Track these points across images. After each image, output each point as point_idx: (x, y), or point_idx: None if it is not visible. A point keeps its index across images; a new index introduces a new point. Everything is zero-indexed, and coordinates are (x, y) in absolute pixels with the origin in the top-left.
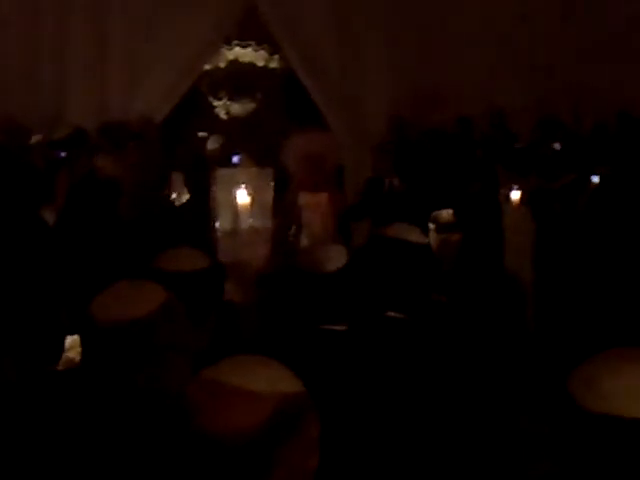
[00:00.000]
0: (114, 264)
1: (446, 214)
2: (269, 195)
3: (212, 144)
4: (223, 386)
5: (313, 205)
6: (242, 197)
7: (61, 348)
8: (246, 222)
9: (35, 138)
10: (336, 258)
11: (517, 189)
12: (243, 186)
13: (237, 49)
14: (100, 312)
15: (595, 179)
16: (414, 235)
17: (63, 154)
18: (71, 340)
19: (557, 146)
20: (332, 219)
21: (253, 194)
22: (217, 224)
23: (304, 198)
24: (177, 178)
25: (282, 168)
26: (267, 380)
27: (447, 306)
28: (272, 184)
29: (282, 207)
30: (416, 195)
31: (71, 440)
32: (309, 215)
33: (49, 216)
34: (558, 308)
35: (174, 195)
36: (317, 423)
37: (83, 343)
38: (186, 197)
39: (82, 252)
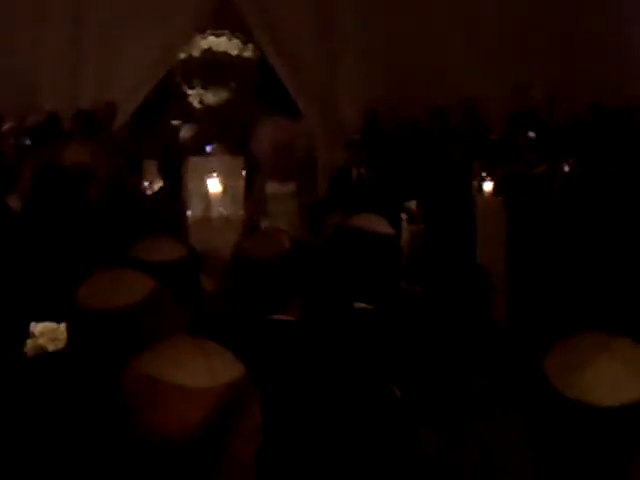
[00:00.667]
0: (82, 252)
1: (414, 205)
2: (241, 184)
3: (185, 132)
4: (160, 383)
5: (280, 195)
6: (214, 186)
7: (25, 335)
8: (217, 211)
9: (6, 125)
10: (276, 245)
11: (489, 180)
12: (215, 175)
13: (211, 38)
14: (87, 300)
15: (566, 168)
16: (380, 226)
17: (28, 141)
18: (42, 327)
19: (532, 134)
20: (299, 210)
21: (225, 183)
22: (189, 212)
23: (271, 187)
24: (150, 166)
25: (252, 156)
26: (206, 371)
27: (417, 295)
28: (244, 173)
29: (251, 196)
30: (385, 185)
31: (45, 429)
32: (275, 205)
33: (15, 203)
34: (530, 298)
35: (146, 183)
36: (259, 407)
37: (69, 331)
38: (159, 185)
39: (48, 239)
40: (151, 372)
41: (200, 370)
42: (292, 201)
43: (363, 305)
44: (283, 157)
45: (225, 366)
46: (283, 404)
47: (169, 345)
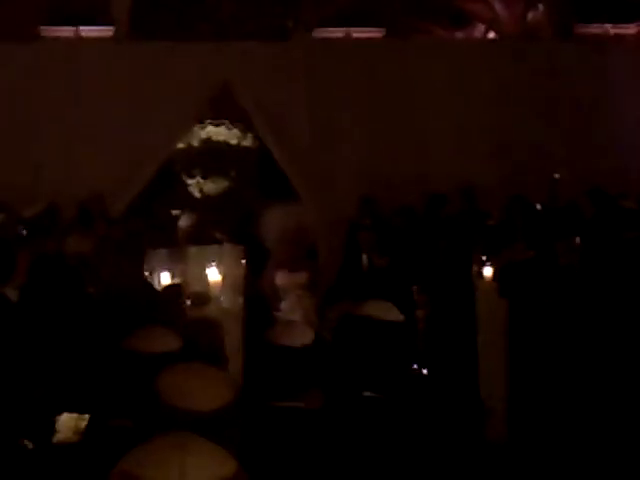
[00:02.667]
0: (78, 342)
1: (415, 291)
2: (241, 273)
3: (184, 222)
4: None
5: (292, 285)
6: (213, 275)
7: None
8: (217, 300)
9: (2, 215)
10: (303, 335)
11: (489, 265)
12: (214, 264)
13: (210, 127)
14: (178, 400)
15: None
16: (388, 312)
17: (24, 232)
18: (58, 419)
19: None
20: (312, 300)
21: (224, 272)
22: (188, 302)
23: (282, 277)
24: (153, 256)
25: (258, 243)
26: (180, 472)
27: (425, 379)
28: (244, 262)
29: (260, 285)
30: (397, 271)
31: None
32: (288, 296)
33: (11, 294)
34: (533, 385)
35: (147, 273)
36: None
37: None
38: (163, 275)
39: (45, 329)
40: (135, 471)
41: (184, 469)
42: (305, 293)
43: (371, 394)
44: (294, 244)
45: (206, 467)
46: None
47: (156, 443)
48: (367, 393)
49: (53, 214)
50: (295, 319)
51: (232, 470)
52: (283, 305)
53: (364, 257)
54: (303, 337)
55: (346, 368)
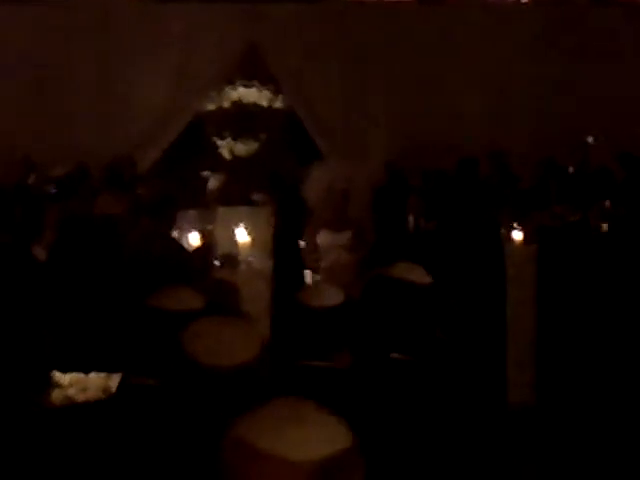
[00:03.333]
0: (105, 301)
1: None
2: (269, 233)
3: (212, 184)
4: (257, 450)
5: (334, 245)
6: (242, 236)
7: (47, 382)
8: (246, 261)
9: (34, 175)
10: (333, 296)
11: (519, 229)
12: (242, 225)
13: (241, 89)
14: (203, 356)
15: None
16: (416, 275)
17: (54, 190)
18: (70, 377)
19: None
20: (354, 263)
21: (253, 232)
22: (216, 262)
23: (325, 237)
24: (185, 217)
25: (301, 202)
26: (307, 442)
27: (449, 345)
28: (272, 223)
29: (303, 245)
30: (444, 235)
31: None
32: (329, 256)
33: (40, 252)
34: (560, 350)
35: (177, 233)
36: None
37: (171, 382)
38: (194, 236)
39: (72, 289)
40: (249, 438)
41: (301, 440)
42: (346, 253)
43: (398, 355)
44: (338, 204)
45: (325, 438)
46: None
47: (272, 409)
48: (394, 355)
49: (83, 174)
50: (333, 279)
51: (349, 442)
52: (323, 264)
53: (410, 220)
54: (333, 298)
55: (373, 329)
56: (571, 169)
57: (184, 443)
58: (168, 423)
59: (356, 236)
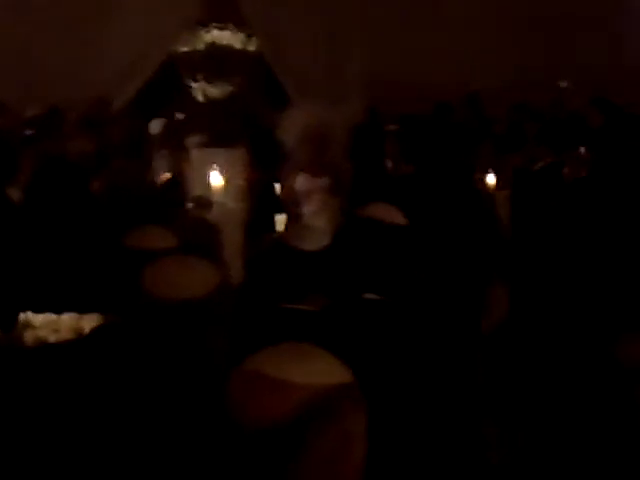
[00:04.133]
0: (81, 242)
1: None
2: (243, 176)
3: (154, 128)
4: (262, 376)
5: (315, 190)
6: (215, 178)
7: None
8: (219, 204)
9: (6, 116)
10: (319, 238)
11: (493, 173)
12: (217, 167)
13: (215, 31)
14: (155, 289)
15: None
16: (391, 216)
17: (29, 132)
18: (42, 318)
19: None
20: (337, 204)
21: (227, 175)
22: (189, 205)
23: (303, 182)
24: (160, 158)
25: (277, 144)
26: (306, 371)
27: (425, 284)
28: (245, 166)
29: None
30: (423, 179)
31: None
32: (307, 202)
33: (15, 194)
34: (532, 291)
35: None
36: (360, 416)
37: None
38: (166, 177)
39: (48, 230)
40: (257, 366)
41: (299, 370)
42: (330, 197)
43: (372, 296)
44: (316, 146)
45: (325, 370)
46: None
47: (279, 350)
48: (368, 295)
49: (56, 115)
50: (319, 223)
51: (349, 378)
52: (305, 209)
53: (389, 163)
54: (319, 241)
55: (347, 270)
56: (544, 113)
57: (151, 377)
58: (133, 359)
59: (335, 180)
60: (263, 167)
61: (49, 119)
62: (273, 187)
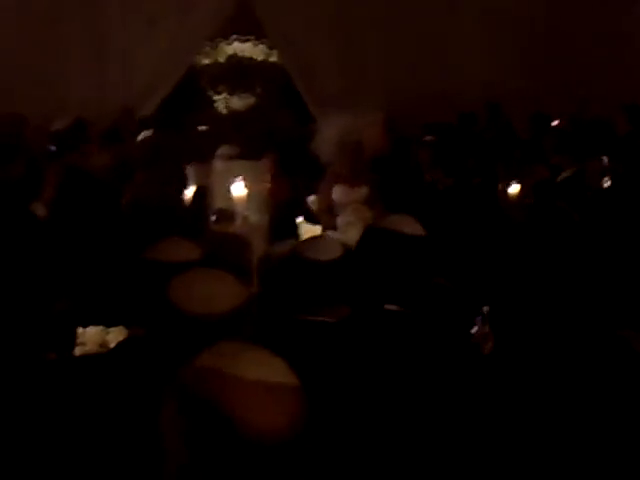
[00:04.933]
0: (106, 256)
1: None
2: (265, 188)
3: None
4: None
5: (351, 201)
6: (238, 190)
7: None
8: (242, 215)
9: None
10: (331, 250)
11: (516, 183)
12: (239, 179)
13: (236, 44)
14: (181, 303)
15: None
16: (409, 226)
17: (54, 147)
18: (88, 333)
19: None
20: (371, 215)
21: (250, 187)
22: (213, 217)
23: (341, 193)
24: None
25: (313, 156)
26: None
27: (447, 292)
28: (269, 177)
29: (316, 201)
30: (465, 193)
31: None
32: (345, 212)
33: (40, 210)
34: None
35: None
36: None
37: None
38: (191, 191)
39: (73, 245)
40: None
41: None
42: (364, 207)
43: (394, 307)
44: (353, 157)
45: (281, 371)
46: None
47: (220, 349)
48: (389, 307)
49: (82, 128)
50: (353, 235)
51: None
52: (339, 220)
53: (426, 175)
54: (331, 251)
55: (367, 282)
56: (556, 122)
57: None
58: (159, 373)
59: (372, 191)
60: (290, 178)
61: (74, 133)
62: (301, 198)
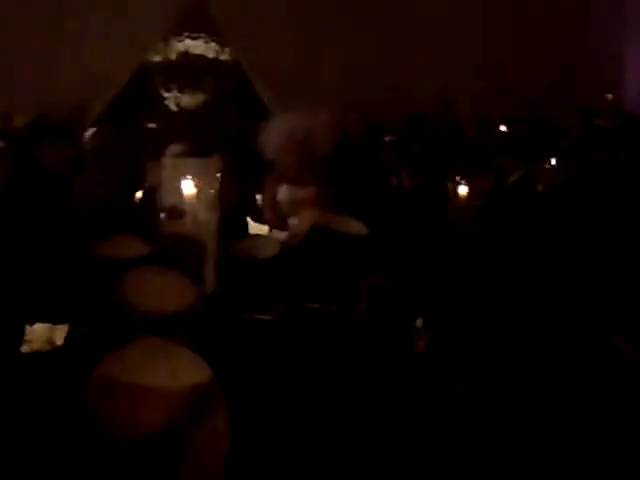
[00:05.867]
0: (53, 251)
1: None
2: (216, 186)
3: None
4: (124, 384)
5: (299, 201)
6: (188, 187)
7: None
8: (192, 212)
9: None
10: (268, 247)
11: (464, 183)
12: (189, 177)
13: (188, 41)
14: (129, 300)
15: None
16: (351, 226)
17: (2, 144)
18: (36, 330)
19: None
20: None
21: (199, 185)
22: (162, 214)
23: (287, 192)
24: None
25: (258, 154)
26: (168, 373)
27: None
28: (218, 175)
29: (262, 201)
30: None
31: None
32: (291, 213)
33: None
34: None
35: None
36: (224, 408)
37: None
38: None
39: (20, 239)
40: (113, 374)
41: (162, 372)
42: (318, 209)
43: (316, 305)
44: (300, 155)
45: (189, 369)
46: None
47: (134, 347)
48: (311, 304)
49: (42, 124)
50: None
51: (210, 375)
52: (291, 221)
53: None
54: (267, 249)
55: (303, 280)
56: (503, 127)
57: None
58: None
59: (322, 191)
60: (241, 177)
61: (33, 129)
62: (251, 197)
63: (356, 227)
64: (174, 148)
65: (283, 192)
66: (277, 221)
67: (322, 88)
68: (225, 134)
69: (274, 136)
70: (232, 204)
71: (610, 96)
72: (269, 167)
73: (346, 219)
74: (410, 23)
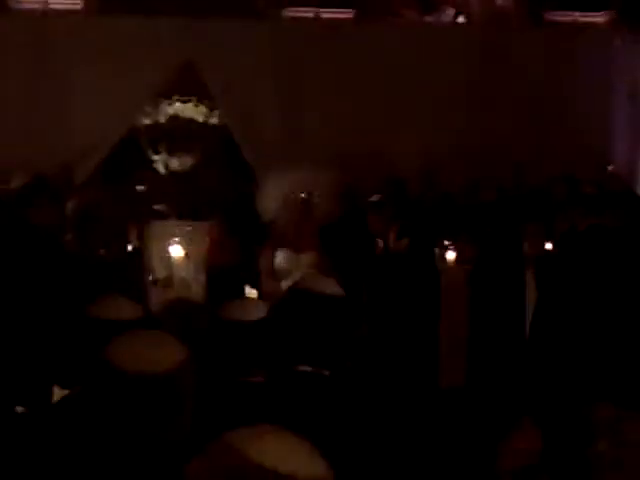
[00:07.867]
0: (43, 311)
1: None
2: (203, 249)
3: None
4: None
5: (297, 267)
6: (176, 251)
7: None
8: (180, 276)
9: None
10: (255, 311)
11: (453, 249)
12: (177, 240)
13: (177, 104)
14: (119, 362)
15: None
16: (328, 286)
17: None
18: None
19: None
20: None
21: (187, 249)
22: (150, 277)
23: (285, 258)
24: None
25: (256, 216)
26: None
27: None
28: (207, 239)
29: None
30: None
31: None
32: (287, 280)
33: None
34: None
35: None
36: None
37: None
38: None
39: (10, 300)
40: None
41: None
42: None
43: (307, 368)
44: (300, 219)
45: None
46: None
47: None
48: (303, 368)
49: (43, 185)
50: None
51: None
52: (284, 285)
53: (378, 241)
54: (255, 312)
55: (284, 342)
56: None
57: (111, 450)
58: (94, 432)
59: (322, 257)
60: (235, 240)
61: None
62: (249, 262)
63: (332, 288)
64: (161, 210)
65: (279, 258)
66: (274, 288)
67: (305, 152)
68: (216, 197)
69: (271, 195)
70: (223, 267)
71: (612, 167)
72: (266, 230)
73: (323, 279)
74: (395, 85)
